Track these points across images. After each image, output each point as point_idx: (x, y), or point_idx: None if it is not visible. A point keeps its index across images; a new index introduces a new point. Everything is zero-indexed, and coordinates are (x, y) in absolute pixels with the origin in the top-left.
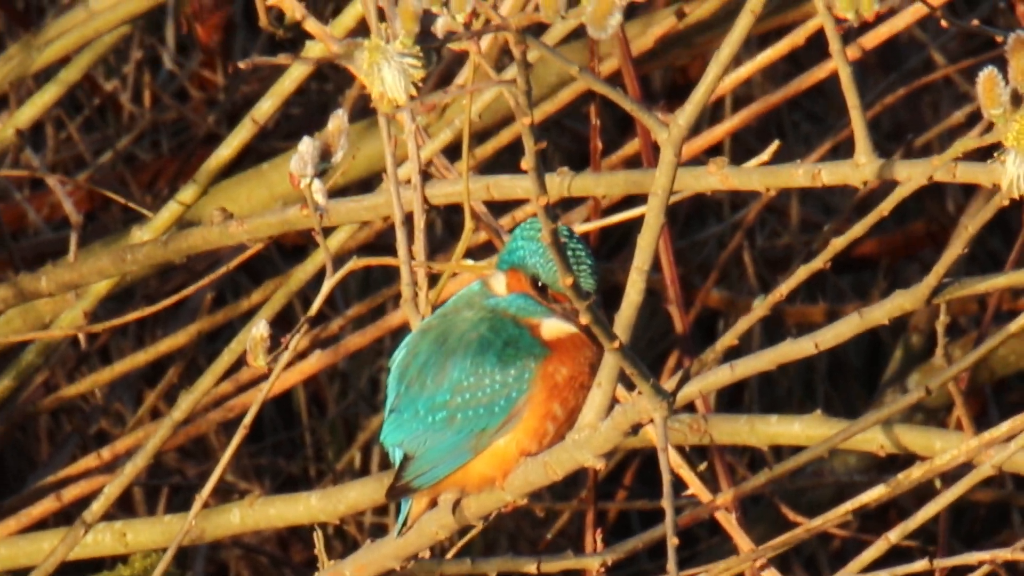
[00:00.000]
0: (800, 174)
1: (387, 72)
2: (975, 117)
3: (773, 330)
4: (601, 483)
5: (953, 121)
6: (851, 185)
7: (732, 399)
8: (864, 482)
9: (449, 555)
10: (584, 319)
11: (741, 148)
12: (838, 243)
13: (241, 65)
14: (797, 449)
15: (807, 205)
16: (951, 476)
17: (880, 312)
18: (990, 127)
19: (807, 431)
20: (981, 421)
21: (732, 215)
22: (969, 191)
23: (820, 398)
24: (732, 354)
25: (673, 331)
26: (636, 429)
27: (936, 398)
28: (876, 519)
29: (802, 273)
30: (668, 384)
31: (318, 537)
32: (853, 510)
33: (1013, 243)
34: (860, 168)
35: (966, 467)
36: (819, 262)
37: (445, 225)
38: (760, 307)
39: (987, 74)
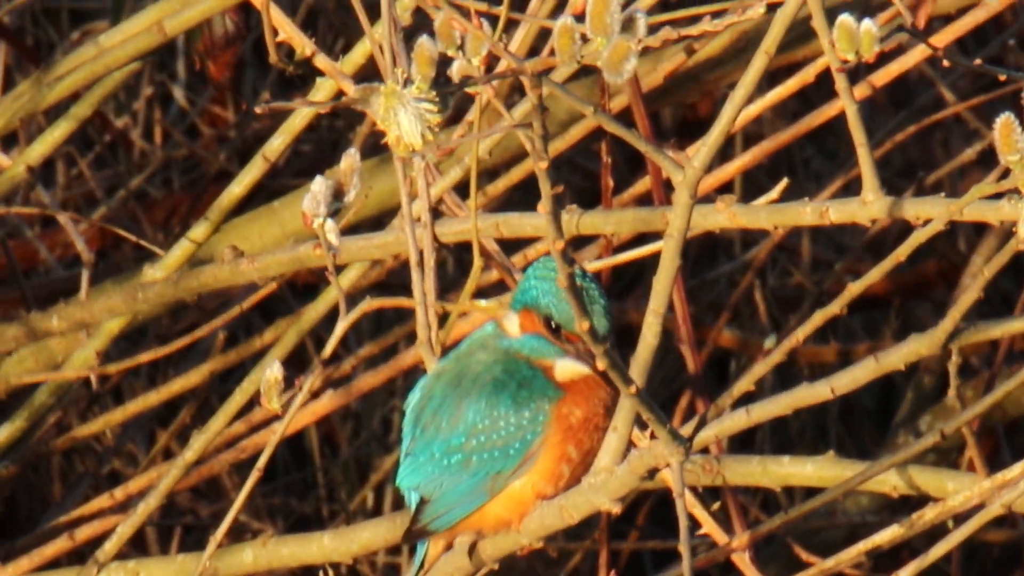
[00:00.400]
0: (808, 212)
1: (403, 117)
2: (986, 154)
3: (784, 370)
4: (614, 523)
5: (964, 158)
6: (860, 223)
7: (744, 439)
8: (876, 522)
9: None
10: (600, 364)
11: (752, 185)
12: (854, 288)
13: (257, 110)
14: (810, 489)
15: (818, 243)
16: (964, 517)
17: (896, 357)
18: (1006, 172)
19: (820, 472)
20: (993, 461)
21: (743, 253)
22: (981, 230)
23: (832, 439)
24: (745, 397)
25: (685, 370)
26: (652, 474)
27: (949, 438)
28: (889, 559)
29: (818, 318)
30: (684, 429)
31: None
32: (866, 551)
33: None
34: (868, 206)
35: (979, 508)
36: (835, 307)
37: (456, 263)
38: (776, 352)
39: (1004, 120)
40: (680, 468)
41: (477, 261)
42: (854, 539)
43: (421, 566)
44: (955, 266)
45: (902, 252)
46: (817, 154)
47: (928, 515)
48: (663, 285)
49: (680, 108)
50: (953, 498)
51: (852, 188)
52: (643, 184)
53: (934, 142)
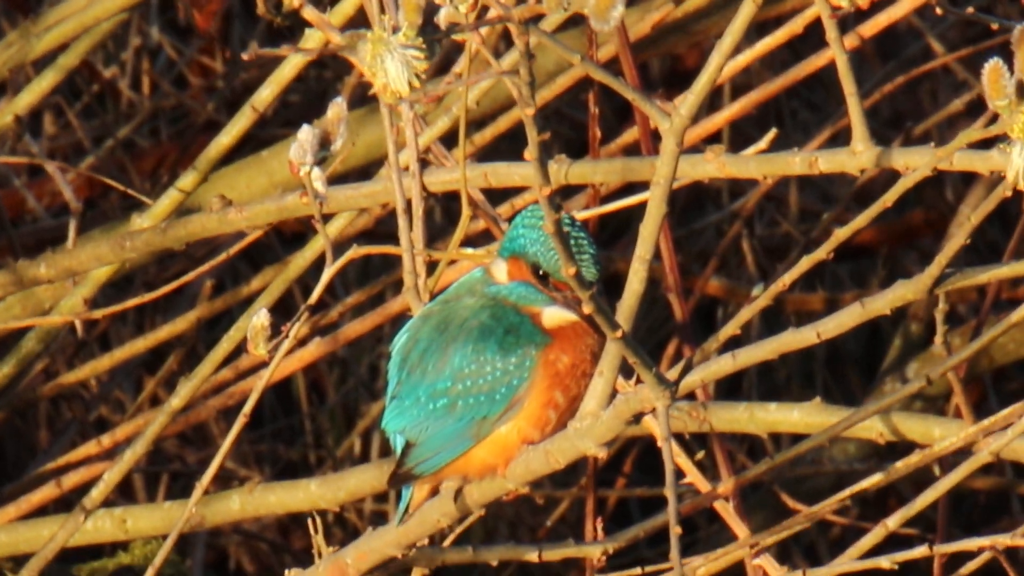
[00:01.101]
0: (797, 162)
1: (390, 64)
2: (974, 105)
3: (771, 318)
4: (601, 471)
5: (952, 109)
6: (848, 173)
7: (731, 387)
8: (863, 470)
9: (448, 542)
10: (587, 308)
11: (739, 136)
12: (841, 233)
13: (244, 56)
14: (796, 436)
15: (806, 193)
16: (950, 464)
17: (882, 302)
18: (994, 118)
19: (806, 419)
20: (980, 409)
21: (731, 203)
22: (968, 179)
23: (819, 386)
24: (732, 343)
25: (672, 319)
26: (638, 418)
27: (935, 386)
28: (875, 507)
29: (805, 264)
30: (670, 373)
31: (317, 525)
32: (851, 496)
33: (1012, 232)
34: (857, 156)
35: (965, 455)
36: (822, 252)
37: (444, 213)
38: (763, 297)
39: (992, 65)
40: (666, 412)
41: (465, 210)
42: (841, 486)
43: (406, 511)
44: (942, 215)
45: (889, 198)
46: (805, 105)
47: (913, 461)
48: (649, 232)
49: (668, 59)
50: (939, 444)
51: (840, 139)
52: (631, 134)
53: (922, 93)
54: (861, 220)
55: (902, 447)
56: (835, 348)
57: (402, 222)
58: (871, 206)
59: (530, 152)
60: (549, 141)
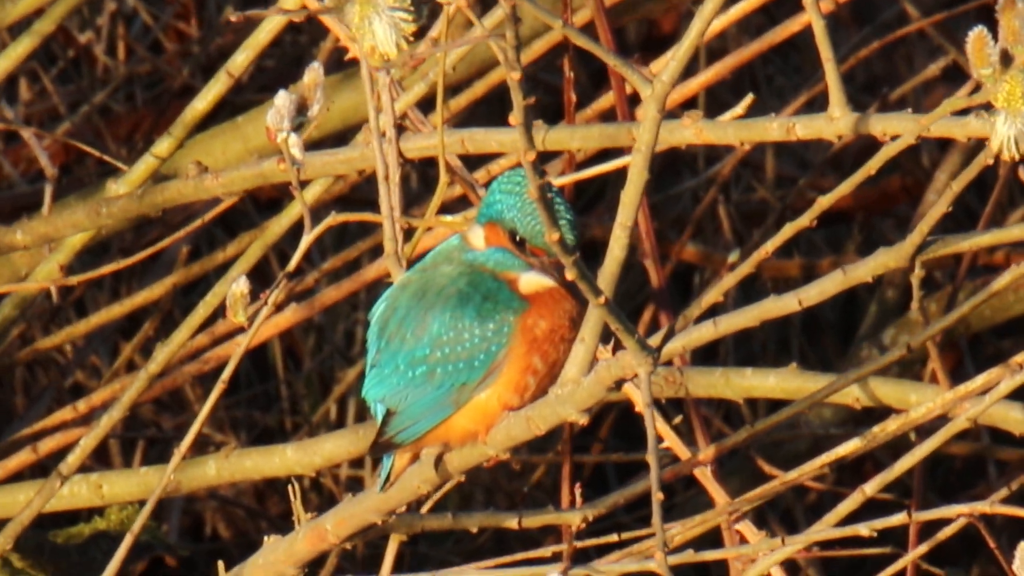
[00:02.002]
0: (775, 127)
1: (378, 26)
2: (950, 70)
3: (748, 284)
4: (577, 436)
5: (928, 74)
6: (825, 139)
7: (707, 352)
8: (840, 435)
9: (425, 509)
10: (570, 274)
11: (715, 102)
12: (824, 201)
13: (232, 18)
14: (772, 402)
15: (782, 159)
16: (926, 429)
17: (864, 270)
18: (978, 86)
19: (782, 384)
20: (957, 374)
21: (707, 169)
22: (944, 146)
23: (795, 352)
24: (710, 310)
25: (648, 285)
26: (619, 384)
27: (912, 351)
28: (852, 472)
29: (787, 231)
30: (652, 340)
31: (294, 491)
32: (829, 463)
33: (988, 198)
34: (835, 122)
35: (942, 420)
36: (805, 220)
37: (420, 178)
38: (745, 264)
39: (976, 33)
40: (648, 378)
41: (443, 176)
42: (817, 451)
43: (387, 478)
44: (919, 182)
45: (872, 165)
46: (780, 71)
47: (891, 427)
48: (631, 199)
49: (644, 24)
50: (916, 410)
51: (816, 104)
52: (606, 100)
53: (898, 58)
54: (844, 187)
55: (878, 412)
56: (811, 314)
57: (383, 189)
58: (853, 173)
59: (515, 117)
60: (533, 103)
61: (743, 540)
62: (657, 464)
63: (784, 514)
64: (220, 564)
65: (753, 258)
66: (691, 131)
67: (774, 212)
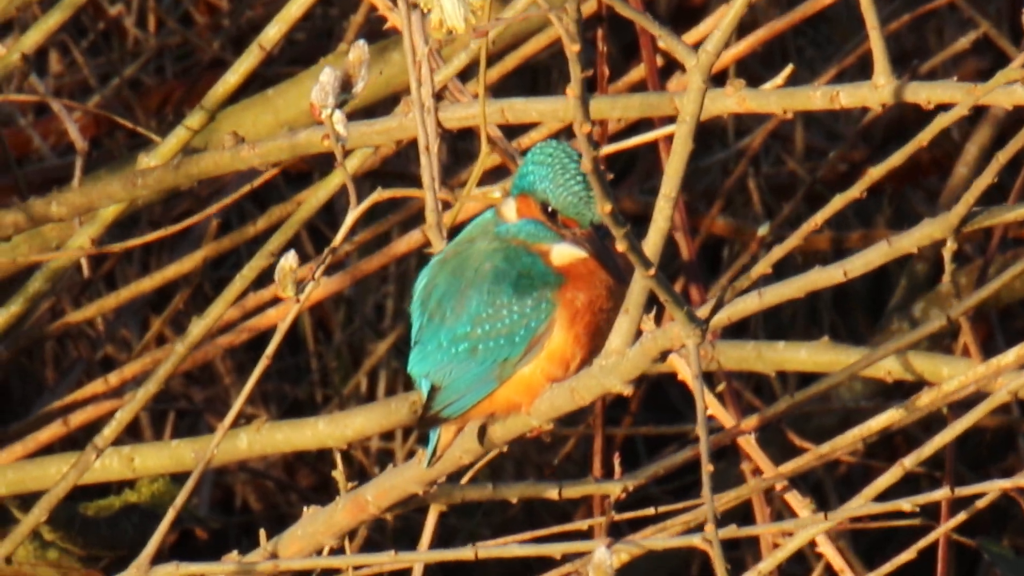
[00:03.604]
0: (818, 96)
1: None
2: (980, 43)
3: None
4: (607, 409)
5: (958, 47)
6: (869, 107)
7: (737, 326)
8: (870, 408)
9: (466, 479)
10: (621, 246)
11: (745, 75)
12: (875, 172)
13: None
14: (803, 375)
15: (812, 132)
16: (956, 403)
17: (909, 240)
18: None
19: (814, 357)
20: (987, 347)
21: (737, 142)
22: (974, 119)
23: (825, 324)
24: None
25: (679, 257)
26: (664, 356)
27: (929, 323)
28: (882, 445)
29: (838, 202)
30: (700, 311)
31: (338, 460)
32: (865, 436)
33: (1018, 171)
34: (879, 89)
35: (976, 394)
36: (855, 191)
37: (450, 150)
38: (795, 235)
39: None
40: (696, 350)
41: (484, 148)
42: (847, 425)
43: (434, 453)
44: (948, 154)
45: (924, 137)
46: (811, 43)
47: (924, 400)
48: (675, 170)
49: None
50: (948, 383)
51: (846, 76)
52: (637, 73)
53: (928, 30)
54: (896, 159)
55: (907, 386)
56: (841, 287)
57: (424, 160)
58: (885, 145)
59: (572, 88)
60: (556, 80)
61: (774, 515)
62: (707, 435)
63: (814, 487)
64: (262, 533)
65: (803, 229)
66: (734, 100)
67: (804, 184)
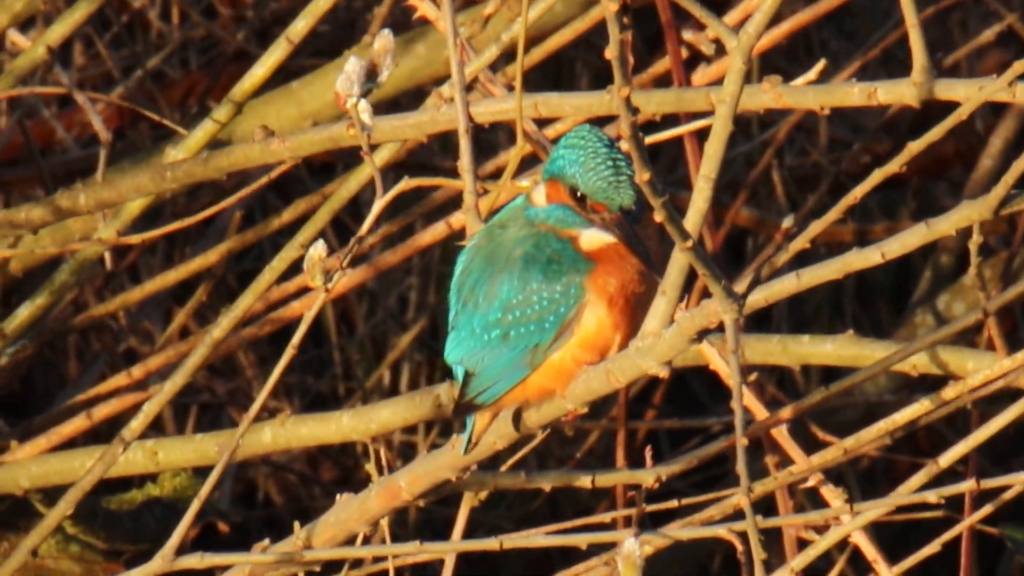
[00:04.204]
0: (856, 93)
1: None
2: (1004, 36)
3: (801, 251)
4: (630, 403)
5: (982, 40)
6: (907, 104)
7: (760, 318)
8: (894, 401)
9: (506, 467)
10: (659, 216)
11: (769, 67)
12: (914, 147)
13: None
14: (827, 369)
15: (836, 124)
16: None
17: (948, 223)
18: None
19: (839, 351)
20: (1011, 340)
21: (761, 133)
22: (998, 111)
23: (848, 317)
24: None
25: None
26: (701, 336)
27: (965, 317)
28: (904, 439)
29: (877, 176)
30: (737, 287)
31: (371, 451)
32: (891, 431)
33: None
34: (918, 87)
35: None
36: (894, 166)
37: (474, 141)
38: (833, 211)
39: None
40: (734, 325)
41: (519, 141)
42: (870, 419)
43: (470, 439)
44: (972, 147)
45: (964, 111)
46: (835, 35)
47: (949, 393)
48: (715, 150)
49: None
50: (974, 377)
51: (868, 70)
52: (662, 64)
53: (951, 23)
54: (936, 132)
55: (931, 379)
56: (864, 280)
57: (463, 143)
58: (910, 137)
59: (611, 51)
60: (579, 71)
61: (796, 509)
62: (742, 409)
63: (836, 480)
64: (296, 525)
65: (841, 204)
66: (770, 95)
67: (828, 176)
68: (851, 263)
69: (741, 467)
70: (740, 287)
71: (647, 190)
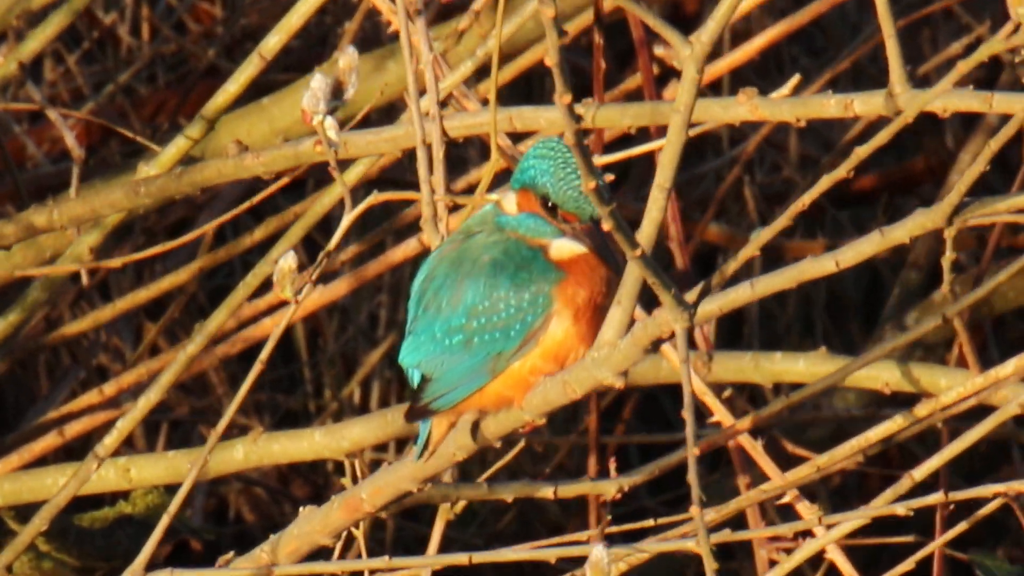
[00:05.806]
0: (832, 104)
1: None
2: (973, 48)
3: (771, 265)
4: (600, 418)
5: (951, 52)
6: (884, 115)
7: (732, 333)
8: (862, 418)
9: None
10: (607, 225)
11: (740, 84)
12: (861, 151)
13: None
14: (798, 386)
15: (806, 139)
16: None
17: (902, 231)
18: (1017, 27)
19: (812, 368)
20: (981, 357)
21: (731, 149)
22: (968, 126)
23: (819, 333)
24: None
25: (673, 267)
26: (656, 345)
27: (935, 334)
28: (876, 456)
29: (825, 182)
30: (688, 296)
31: (348, 463)
32: (870, 444)
33: (1013, 179)
34: (895, 98)
35: (976, 407)
36: (842, 171)
37: (446, 156)
38: (783, 217)
39: None
40: (685, 335)
41: (494, 155)
42: (841, 435)
43: (425, 446)
44: (943, 162)
45: (909, 115)
46: (805, 52)
47: (922, 411)
48: (669, 159)
49: (669, 5)
50: (947, 394)
51: (839, 84)
52: (633, 80)
53: (922, 38)
54: (882, 137)
55: (902, 396)
56: (835, 295)
57: (420, 153)
58: (882, 152)
59: (549, 58)
60: (550, 88)
61: (770, 522)
62: (693, 418)
63: (809, 496)
64: (272, 536)
65: (792, 209)
66: (746, 108)
67: (798, 192)
68: (805, 271)
69: (692, 477)
70: (691, 296)
71: (594, 198)
